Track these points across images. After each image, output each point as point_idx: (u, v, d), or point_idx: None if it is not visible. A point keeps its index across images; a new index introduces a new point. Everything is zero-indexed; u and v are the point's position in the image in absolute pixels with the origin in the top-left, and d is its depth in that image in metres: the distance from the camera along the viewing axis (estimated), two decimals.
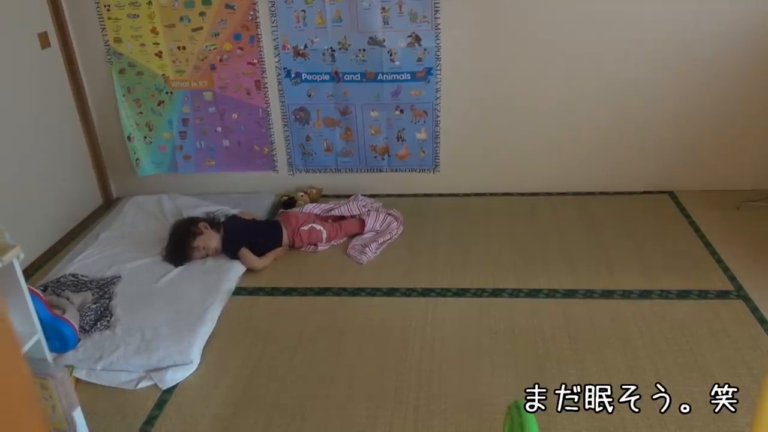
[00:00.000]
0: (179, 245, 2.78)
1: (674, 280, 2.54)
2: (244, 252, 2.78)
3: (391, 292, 2.58)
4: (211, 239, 2.79)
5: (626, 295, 2.47)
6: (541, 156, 3.24)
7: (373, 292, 2.59)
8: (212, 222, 2.86)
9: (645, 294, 2.47)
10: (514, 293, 2.52)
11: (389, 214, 3.05)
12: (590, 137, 3.17)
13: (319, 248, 2.91)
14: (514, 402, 1.47)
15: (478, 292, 2.54)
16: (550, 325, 2.32)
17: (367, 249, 2.83)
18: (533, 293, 2.52)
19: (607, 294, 2.48)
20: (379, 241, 2.89)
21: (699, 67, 2.97)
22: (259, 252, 2.81)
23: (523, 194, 3.31)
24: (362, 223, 3.00)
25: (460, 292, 2.55)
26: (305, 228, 2.90)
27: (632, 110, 3.09)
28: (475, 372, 2.12)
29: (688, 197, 3.18)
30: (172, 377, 2.16)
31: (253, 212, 3.12)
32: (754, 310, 2.34)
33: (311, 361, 2.22)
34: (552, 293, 2.51)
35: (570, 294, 2.50)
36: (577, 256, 2.75)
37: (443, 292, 2.56)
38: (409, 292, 2.57)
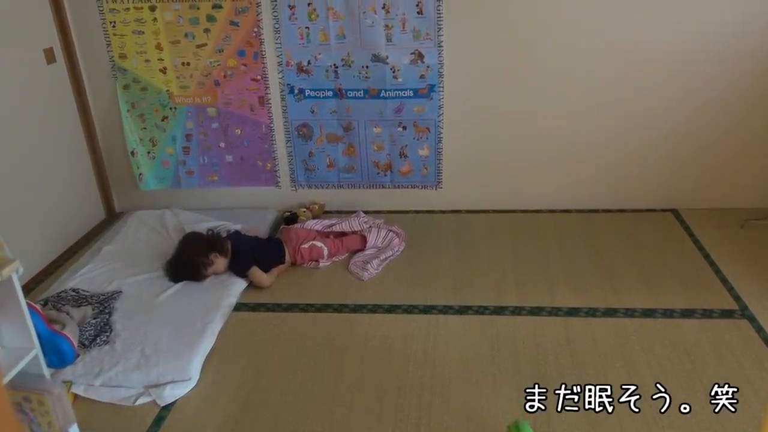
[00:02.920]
0: (190, 273, 2.72)
1: (678, 299, 2.52)
2: (255, 271, 2.77)
3: (392, 309, 2.57)
4: (221, 267, 2.77)
5: (629, 313, 2.45)
6: (544, 173, 3.23)
7: (375, 308, 2.57)
8: (219, 247, 2.78)
9: (648, 312, 2.45)
10: (517, 311, 2.51)
11: (391, 230, 3.05)
12: (593, 154, 3.17)
13: (321, 265, 2.90)
14: (514, 422, 1.46)
15: (481, 310, 2.53)
16: (553, 343, 2.30)
17: (369, 266, 2.82)
18: (536, 311, 2.50)
19: (610, 312, 2.46)
20: (381, 258, 2.88)
21: (703, 85, 2.97)
22: (263, 269, 2.80)
23: (525, 211, 3.30)
24: (364, 239, 2.99)
25: (463, 309, 2.53)
26: (306, 246, 2.89)
27: (635, 128, 3.09)
28: (476, 390, 2.10)
29: (692, 215, 3.17)
30: (171, 393, 2.14)
31: (256, 229, 3.12)
32: (759, 329, 2.32)
33: (312, 378, 2.20)
34: (555, 311, 2.49)
35: (573, 312, 2.48)
36: (579, 273, 2.73)
37: (445, 310, 2.54)
38: (410, 309, 2.56)
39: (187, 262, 2.74)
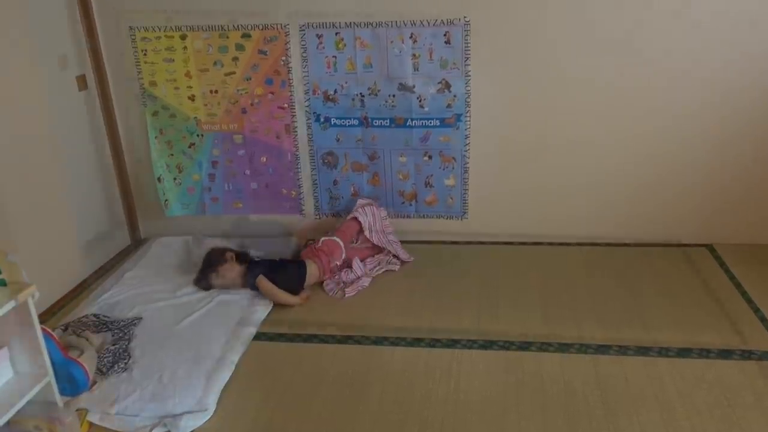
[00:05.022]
0: (204, 266, 2.90)
1: (715, 338, 2.40)
2: (261, 280, 2.80)
3: (415, 342, 2.50)
4: (232, 270, 2.86)
5: (663, 352, 2.34)
6: (572, 205, 3.16)
7: (397, 341, 2.51)
8: (241, 255, 2.95)
9: (683, 352, 2.34)
10: (543, 347, 2.41)
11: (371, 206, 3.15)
12: (624, 187, 3.09)
13: (347, 295, 2.85)
14: None
15: (506, 345, 2.44)
16: (581, 381, 2.20)
17: (348, 288, 2.86)
18: (563, 347, 2.40)
19: (642, 351, 2.36)
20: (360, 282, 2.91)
21: (738, 115, 2.88)
22: (289, 289, 2.83)
23: (552, 244, 3.22)
24: (358, 222, 3.07)
25: (487, 345, 2.45)
26: (319, 245, 2.98)
27: (669, 159, 3.00)
28: (500, 430, 2.01)
29: (728, 250, 3.05)
30: (187, 425, 2.10)
31: (279, 254, 3.11)
32: None
33: (330, 411, 2.14)
34: (583, 348, 2.39)
35: (603, 350, 2.37)
36: (609, 309, 2.63)
37: (469, 344, 2.46)
38: (433, 343, 2.48)
39: (209, 254, 2.93)
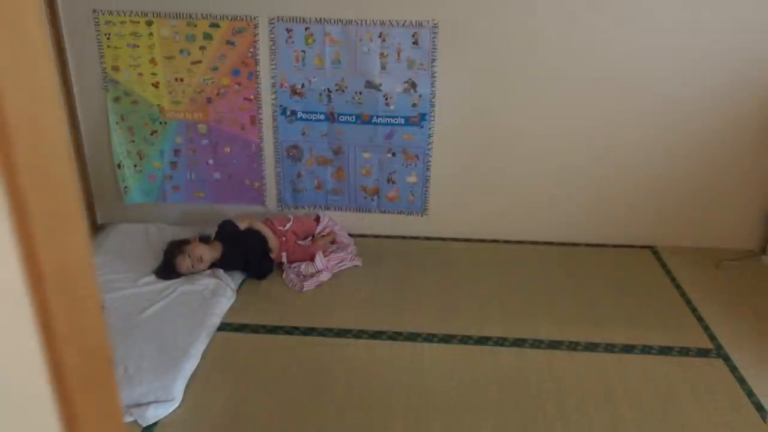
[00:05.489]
0: (167, 255, 2.91)
1: (656, 336, 2.58)
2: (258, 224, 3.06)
3: (377, 335, 2.58)
4: (198, 247, 2.90)
5: (609, 348, 2.50)
6: (529, 206, 3.30)
7: (360, 334, 2.58)
8: (203, 237, 3.03)
9: (628, 348, 2.50)
10: (500, 341, 2.54)
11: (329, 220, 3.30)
12: (578, 190, 3.24)
13: (306, 287, 2.90)
14: None
15: (465, 339, 2.55)
16: (536, 376, 2.34)
17: (306, 283, 2.92)
18: (519, 342, 2.53)
19: (591, 347, 2.51)
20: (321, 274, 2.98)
21: (685, 129, 3.07)
22: (253, 262, 2.97)
23: (510, 242, 3.36)
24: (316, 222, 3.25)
25: (447, 338, 2.56)
26: (287, 228, 3.11)
27: (620, 166, 3.17)
28: (458, 420, 2.12)
29: (669, 253, 3.25)
30: (154, 414, 2.12)
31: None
32: (734, 369, 2.39)
33: (296, 402, 2.20)
34: (537, 343, 2.53)
35: (555, 345, 2.52)
36: (562, 306, 2.78)
37: (430, 338, 2.56)
38: (395, 336, 2.57)
39: (171, 242, 2.95)
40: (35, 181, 0.42)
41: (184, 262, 2.86)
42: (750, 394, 2.26)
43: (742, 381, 2.33)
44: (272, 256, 3.02)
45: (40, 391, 0.46)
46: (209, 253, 2.91)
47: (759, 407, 2.20)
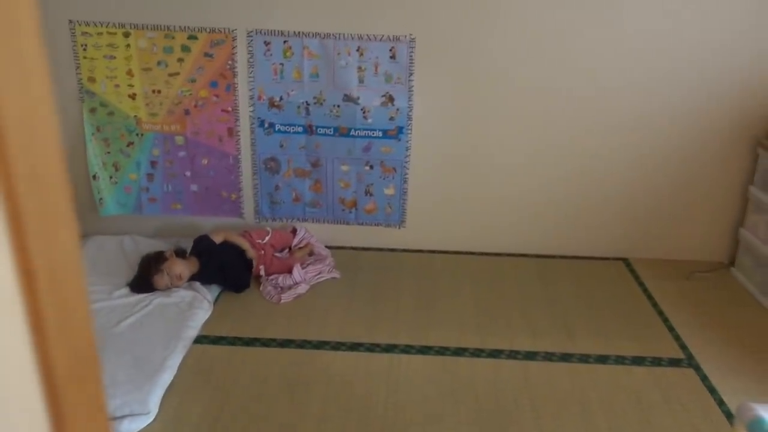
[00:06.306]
0: (144, 270, 2.86)
1: (629, 347, 2.62)
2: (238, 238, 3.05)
3: (354, 346, 2.59)
4: (176, 264, 2.86)
5: (584, 359, 2.54)
6: (505, 218, 3.34)
7: (337, 346, 2.59)
8: (179, 251, 2.98)
9: (602, 359, 2.54)
10: (477, 353, 2.56)
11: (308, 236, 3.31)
12: (552, 202, 3.30)
13: (283, 300, 2.90)
14: None
15: (441, 350, 2.57)
16: (512, 386, 2.36)
17: (284, 295, 2.92)
18: (495, 353, 2.56)
19: (565, 357, 2.55)
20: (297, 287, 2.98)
21: (656, 144, 3.15)
22: (231, 275, 2.96)
23: (486, 254, 3.39)
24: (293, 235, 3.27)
25: (424, 350, 2.57)
26: (266, 240, 3.11)
27: (593, 179, 3.24)
28: (437, 431, 2.13)
29: (641, 265, 3.31)
30: (129, 428, 2.10)
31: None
32: (704, 378, 2.44)
33: (273, 415, 2.19)
34: (513, 354, 2.56)
35: (530, 356, 2.55)
36: (537, 318, 2.82)
37: (407, 349, 2.57)
38: (372, 348, 2.58)
39: (146, 257, 2.91)
40: (29, 183, 0.43)
41: (162, 280, 2.83)
42: (720, 402, 2.31)
43: (712, 390, 2.38)
44: (253, 267, 3.01)
45: (28, 390, 0.46)
46: (187, 269, 2.88)
47: (729, 415, 2.24)
